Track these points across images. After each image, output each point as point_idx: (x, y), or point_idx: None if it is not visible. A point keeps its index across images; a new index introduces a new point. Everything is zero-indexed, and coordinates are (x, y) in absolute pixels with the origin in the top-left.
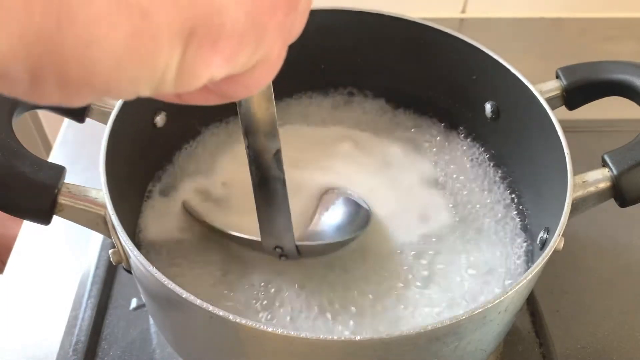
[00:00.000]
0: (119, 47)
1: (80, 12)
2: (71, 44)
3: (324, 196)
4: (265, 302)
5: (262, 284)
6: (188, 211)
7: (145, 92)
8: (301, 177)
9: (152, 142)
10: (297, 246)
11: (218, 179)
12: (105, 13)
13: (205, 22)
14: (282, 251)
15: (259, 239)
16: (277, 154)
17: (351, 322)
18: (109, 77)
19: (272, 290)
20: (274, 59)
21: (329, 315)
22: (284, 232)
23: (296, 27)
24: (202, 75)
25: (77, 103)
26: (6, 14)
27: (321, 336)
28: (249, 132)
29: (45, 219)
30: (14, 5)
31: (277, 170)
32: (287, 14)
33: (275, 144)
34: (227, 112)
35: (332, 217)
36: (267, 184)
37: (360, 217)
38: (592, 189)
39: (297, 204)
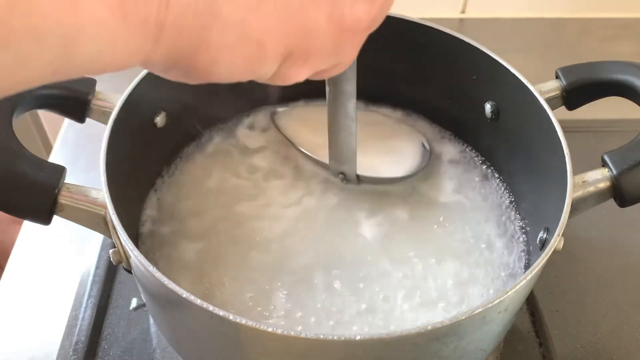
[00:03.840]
0: (236, 66)
1: (214, 42)
2: (202, 62)
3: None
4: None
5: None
6: (275, 126)
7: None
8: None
9: (152, 142)
10: (357, 175)
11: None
12: (231, 44)
13: (302, 47)
14: (345, 176)
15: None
16: (352, 98)
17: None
18: (223, 79)
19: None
20: (348, 62)
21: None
22: (348, 161)
23: (373, 29)
24: (292, 79)
25: (191, 83)
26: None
27: (321, 336)
28: (331, 81)
29: (45, 219)
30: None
31: (350, 110)
32: (365, 33)
33: (351, 91)
34: (227, 112)
35: (394, 149)
36: (340, 120)
37: (421, 156)
38: (591, 189)
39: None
